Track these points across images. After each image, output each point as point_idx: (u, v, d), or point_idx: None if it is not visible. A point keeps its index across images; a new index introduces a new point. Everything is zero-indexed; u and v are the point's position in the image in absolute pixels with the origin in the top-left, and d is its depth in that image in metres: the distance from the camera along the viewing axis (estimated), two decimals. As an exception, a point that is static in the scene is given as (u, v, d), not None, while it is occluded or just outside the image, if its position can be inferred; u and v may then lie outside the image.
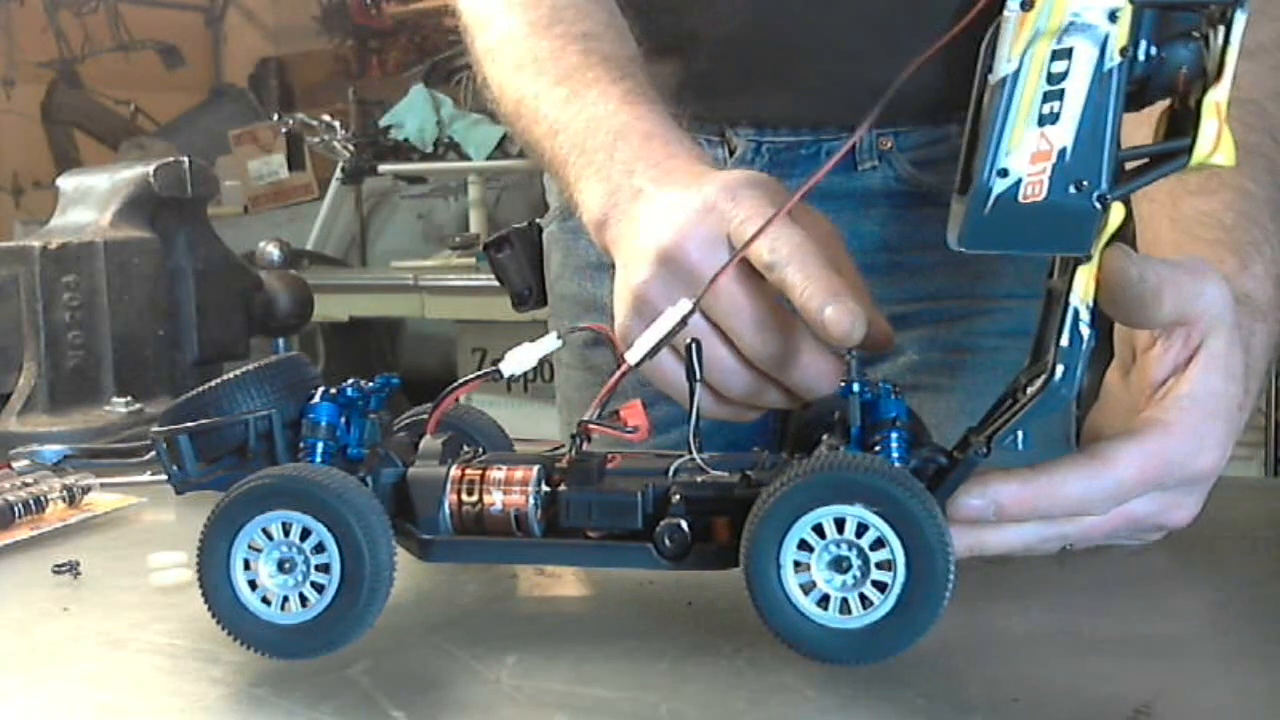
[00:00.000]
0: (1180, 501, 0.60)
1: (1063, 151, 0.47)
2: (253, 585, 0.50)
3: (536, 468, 0.53)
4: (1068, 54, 0.47)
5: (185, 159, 1.09)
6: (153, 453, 0.57)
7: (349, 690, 0.48)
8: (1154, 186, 0.71)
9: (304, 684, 0.49)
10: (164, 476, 0.57)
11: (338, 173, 4.03)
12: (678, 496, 0.51)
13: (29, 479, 0.76)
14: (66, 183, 1.11)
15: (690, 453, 0.54)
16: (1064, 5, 0.47)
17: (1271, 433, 2.50)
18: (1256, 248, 0.67)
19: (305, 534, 0.49)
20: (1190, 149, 0.48)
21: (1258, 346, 0.64)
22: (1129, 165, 0.50)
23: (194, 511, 0.51)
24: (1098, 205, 0.48)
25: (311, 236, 4.02)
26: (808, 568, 0.47)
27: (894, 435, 0.52)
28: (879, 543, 0.46)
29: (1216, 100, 0.48)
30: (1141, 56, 0.48)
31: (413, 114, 3.91)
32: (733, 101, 0.97)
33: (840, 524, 0.47)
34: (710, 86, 0.97)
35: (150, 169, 1.07)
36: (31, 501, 0.73)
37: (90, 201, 1.07)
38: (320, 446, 0.55)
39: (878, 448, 0.52)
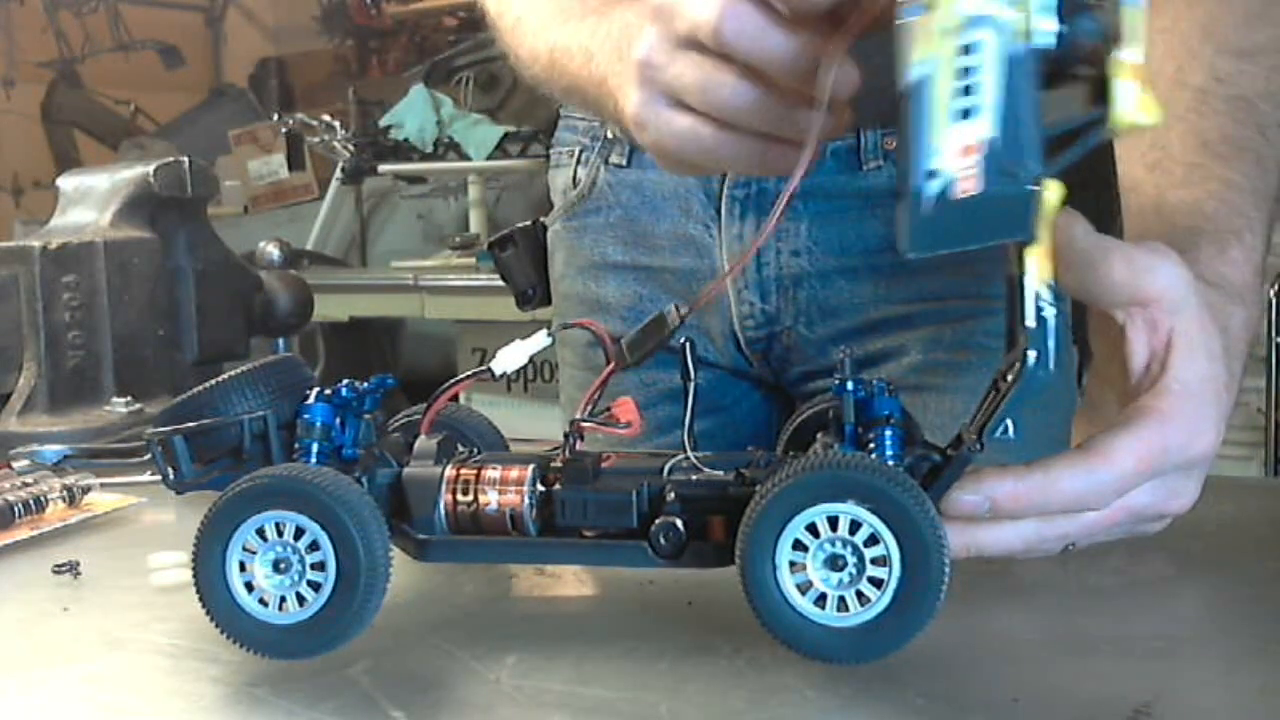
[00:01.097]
0: (1179, 488, 0.60)
1: (989, 142, 0.47)
2: (249, 586, 0.50)
3: (531, 467, 0.53)
4: (975, 47, 0.47)
5: (185, 159, 1.09)
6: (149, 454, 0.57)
7: (349, 690, 0.48)
8: (1142, 180, 0.71)
9: (304, 684, 0.49)
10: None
11: (338, 173, 4.03)
12: (673, 495, 0.51)
13: (29, 479, 0.76)
14: (66, 183, 1.11)
15: (685, 451, 0.54)
16: (960, 2, 0.47)
17: (1271, 433, 2.50)
18: (1236, 234, 0.68)
19: (299, 533, 0.49)
20: (1109, 114, 0.48)
21: (1235, 329, 0.64)
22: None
23: (194, 511, 0.51)
24: (1033, 187, 0.48)
25: (311, 236, 4.02)
26: (803, 567, 0.47)
27: (887, 433, 0.52)
28: (873, 539, 0.46)
29: (1127, 61, 0.48)
30: (1049, 36, 0.48)
31: (413, 114, 3.91)
32: None
33: (834, 522, 0.47)
34: None
35: (150, 169, 1.07)
36: (31, 501, 0.73)
37: (90, 201, 1.07)
38: (315, 447, 0.54)
39: (871, 445, 0.52)
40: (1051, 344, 0.50)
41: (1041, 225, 0.49)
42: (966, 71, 0.47)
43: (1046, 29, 0.48)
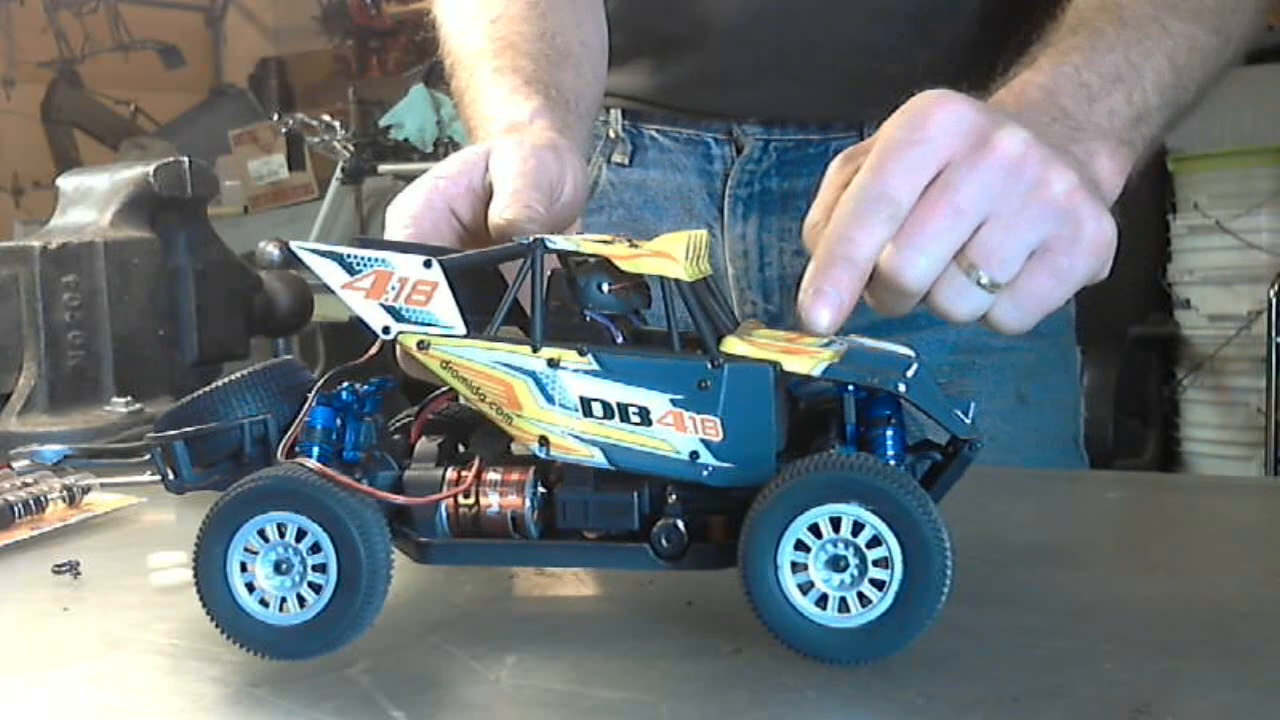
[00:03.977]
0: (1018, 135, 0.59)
1: None
2: (250, 588, 0.50)
3: (532, 469, 0.53)
4: None
5: (185, 159, 1.09)
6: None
7: (349, 690, 0.48)
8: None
9: (304, 684, 0.49)
10: (163, 477, 0.57)
11: (338, 173, 4.02)
12: (674, 496, 0.51)
13: (29, 479, 0.76)
14: (66, 183, 1.11)
15: None
16: None
17: (1271, 433, 2.50)
18: (1027, 64, 0.70)
19: (301, 535, 0.49)
20: None
21: (1001, 96, 0.67)
22: None
23: (194, 511, 0.51)
24: None
25: (311, 236, 4.01)
26: (805, 568, 0.47)
27: (888, 432, 0.52)
28: (875, 541, 0.46)
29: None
30: None
31: (413, 114, 3.91)
32: (743, 95, 0.98)
33: (836, 523, 0.47)
34: (720, 79, 0.97)
35: (150, 169, 1.07)
36: (31, 501, 0.73)
37: (90, 201, 1.07)
38: (316, 450, 0.54)
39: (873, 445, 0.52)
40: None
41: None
42: None
43: None
